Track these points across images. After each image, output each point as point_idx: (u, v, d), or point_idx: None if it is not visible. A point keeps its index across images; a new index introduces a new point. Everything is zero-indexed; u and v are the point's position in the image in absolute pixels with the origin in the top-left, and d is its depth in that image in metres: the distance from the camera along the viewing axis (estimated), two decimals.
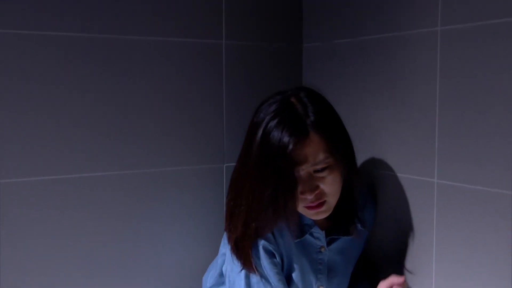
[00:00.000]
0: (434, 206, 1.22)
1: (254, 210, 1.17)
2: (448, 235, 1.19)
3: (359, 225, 1.29)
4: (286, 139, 1.12)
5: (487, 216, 1.10)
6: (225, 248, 1.32)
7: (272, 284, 1.23)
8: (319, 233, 1.28)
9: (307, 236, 1.27)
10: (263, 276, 1.22)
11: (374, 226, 1.39)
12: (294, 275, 1.27)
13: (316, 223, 1.28)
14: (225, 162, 1.55)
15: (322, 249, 1.30)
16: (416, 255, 1.28)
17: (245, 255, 1.21)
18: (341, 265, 1.33)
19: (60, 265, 1.35)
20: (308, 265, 1.29)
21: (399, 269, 1.32)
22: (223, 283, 1.37)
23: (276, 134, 1.13)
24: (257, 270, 1.22)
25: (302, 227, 1.27)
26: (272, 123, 1.14)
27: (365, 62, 1.40)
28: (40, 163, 1.31)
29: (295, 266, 1.27)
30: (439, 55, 1.19)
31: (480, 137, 1.11)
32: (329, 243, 1.30)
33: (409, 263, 1.30)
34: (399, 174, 1.31)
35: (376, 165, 1.38)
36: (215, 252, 1.53)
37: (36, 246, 1.32)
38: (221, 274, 1.37)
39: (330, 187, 1.18)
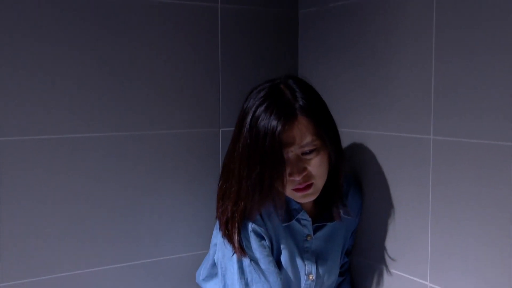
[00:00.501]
0: (430, 163, 1.22)
1: (243, 190, 1.21)
2: (445, 191, 1.20)
3: (342, 211, 1.32)
4: (274, 122, 1.16)
5: (486, 169, 1.10)
6: (216, 239, 1.35)
7: (262, 266, 1.25)
8: (307, 220, 1.32)
9: (294, 222, 1.31)
10: (252, 259, 1.25)
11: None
12: (282, 258, 1.30)
13: (303, 208, 1.31)
14: (221, 127, 1.55)
15: (309, 238, 1.33)
16: (412, 215, 1.29)
17: (234, 238, 1.24)
18: (329, 252, 1.36)
19: (58, 224, 1.35)
20: (296, 251, 1.32)
21: (395, 230, 1.33)
22: (215, 274, 1.39)
23: (265, 117, 1.17)
24: (247, 253, 1.25)
25: (290, 212, 1.30)
26: (261, 108, 1.19)
27: (361, 24, 1.40)
28: (40, 121, 1.31)
29: (283, 250, 1.30)
30: (435, 8, 1.19)
31: (476, 90, 1.11)
32: (315, 231, 1.33)
33: (404, 223, 1.31)
34: (394, 134, 1.32)
35: (371, 125, 1.39)
36: (211, 214, 1.54)
37: (34, 204, 1.32)
38: (214, 265, 1.39)
39: (318, 169, 1.22)
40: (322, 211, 1.34)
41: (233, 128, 1.56)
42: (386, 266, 1.37)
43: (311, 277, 1.33)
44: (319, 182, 1.24)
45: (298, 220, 1.31)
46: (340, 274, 1.45)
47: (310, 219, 1.32)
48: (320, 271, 1.34)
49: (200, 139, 1.52)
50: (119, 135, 1.41)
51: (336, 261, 1.39)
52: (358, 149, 1.44)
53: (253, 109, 1.20)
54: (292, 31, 1.64)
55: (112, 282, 1.43)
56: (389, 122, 1.33)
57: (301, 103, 1.20)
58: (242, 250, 1.24)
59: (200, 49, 1.51)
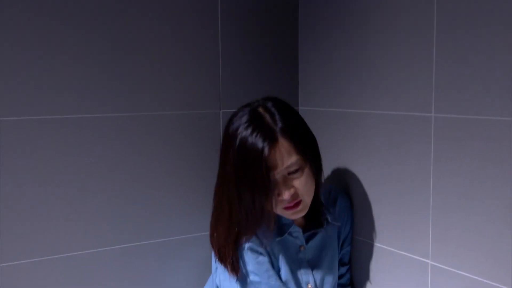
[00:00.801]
0: (431, 141, 1.22)
1: (235, 215, 1.24)
2: (446, 169, 1.19)
3: (329, 217, 1.37)
4: (260, 145, 1.19)
5: (488, 145, 1.10)
6: (216, 263, 1.37)
7: (263, 282, 1.28)
8: (298, 231, 1.35)
9: (287, 236, 1.34)
10: (250, 277, 1.28)
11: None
12: (282, 273, 1.33)
13: (294, 222, 1.35)
14: (222, 108, 1.54)
15: (302, 248, 1.36)
16: (413, 193, 1.28)
17: (228, 259, 1.27)
18: (324, 260, 1.39)
19: (59, 205, 1.35)
20: (292, 263, 1.35)
21: (396, 209, 1.33)
22: None
23: (251, 142, 1.20)
24: (242, 271, 1.28)
25: (281, 227, 1.34)
26: (246, 132, 1.21)
27: None
28: (40, 102, 1.31)
29: (282, 265, 1.33)
30: None
31: (478, 65, 1.11)
32: (307, 241, 1.36)
33: (405, 202, 1.31)
34: (395, 112, 1.31)
35: (371, 104, 1.38)
36: (209, 197, 1.54)
37: (35, 185, 1.32)
38: None
39: (304, 186, 1.25)
40: (310, 221, 1.37)
41: (233, 110, 1.56)
42: (387, 246, 1.36)
43: (309, 287, 1.36)
44: (307, 198, 1.28)
45: (289, 233, 1.35)
46: (343, 285, 1.47)
47: (300, 229, 1.36)
48: (318, 279, 1.37)
49: (201, 121, 1.52)
50: (120, 116, 1.40)
51: (332, 268, 1.41)
52: (358, 128, 1.43)
53: (238, 134, 1.22)
54: (293, 8, 1.63)
55: (112, 263, 1.43)
56: (390, 101, 1.33)
57: (280, 125, 1.22)
58: (235, 270, 1.27)
59: (200, 30, 1.50)
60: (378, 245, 1.39)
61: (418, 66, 1.24)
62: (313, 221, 1.37)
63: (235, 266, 1.27)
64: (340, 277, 1.46)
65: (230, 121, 1.27)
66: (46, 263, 1.35)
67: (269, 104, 1.27)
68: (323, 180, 1.34)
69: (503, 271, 1.09)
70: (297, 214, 1.29)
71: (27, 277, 1.32)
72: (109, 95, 1.39)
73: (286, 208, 1.26)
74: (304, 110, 1.62)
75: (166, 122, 1.47)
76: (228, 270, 1.28)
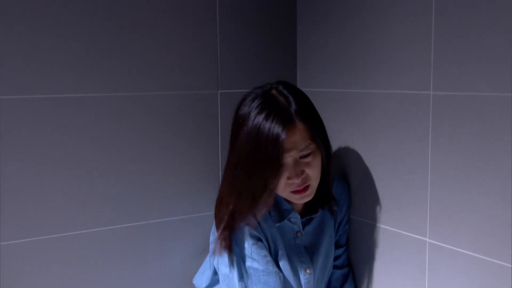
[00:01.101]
0: (430, 119, 1.22)
1: (241, 196, 1.24)
2: (445, 146, 1.19)
3: (335, 208, 1.40)
4: (276, 129, 1.18)
5: (487, 122, 1.10)
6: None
7: (261, 267, 1.28)
8: (296, 217, 1.35)
9: (285, 221, 1.34)
10: (255, 260, 1.27)
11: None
12: (280, 259, 1.33)
13: (294, 208, 1.35)
14: (220, 89, 1.54)
15: (298, 234, 1.36)
16: (411, 171, 1.28)
17: (227, 240, 1.27)
18: (321, 244, 1.40)
19: (58, 184, 1.35)
20: (290, 249, 1.35)
21: (394, 188, 1.34)
22: (217, 281, 1.42)
23: (266, 126, 1.19)
24: (241, 255, 1.28)
25: (281, 213, 1.34)
26: (260, 116, 1.20)
27: None
28: (39, 80, 1.30)
29: (280, 250, 1.33)
30: None
31: (477, 41, 1.10)
32: (304, 226, 1.36)
33: (403, 180, 1.31)
34: (393, 91, 1.31)
35: (369, 83, 1.38)
36: (209, 174, 1.54)
37: (35, 163, 1.32)
38: (215, 272, 1.41)
39: (314, 171, 1.26)
40: (308, 207, 1.38)
41: (232, 91, 1.56)
42: (385, 225, 1.37)
43: (308, 271, 1.36)
44: (315, 183, 1.28)
45: (288, 219, 1.35)
46: (340, 267, 1.47)
47: (299, 216, 1.36)
48: (315, 264, 1.38)
49: (199, 101, 1.51)
50: (118, 95, 1.40)
51: (329, 253, 1.42)
52: (357, 108, 1.43)
53: (251, 118, 1.21)
54: None
55: (111, 243, 1.43)
56: (388, 80, 1.32)
57: (295, 107, 1.22)
58: (229, 251, 1.27)
59: (198, 10, 1.49)
60: (375, 224, 1.40)
61: (417, 45, 1.24)
62: (313, 208, 1.38)
63: (230, 248, 1.27)
64: (336, 258, 1.46)
65: (241, 104, 1.27)
66: (46, 242, 1.35)
67: (281, 87, 1.27)
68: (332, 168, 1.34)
69: (501, 247, 1.09)
70: (304, 199, 1.29)
71: (26, 255, 1.33)
72: (107, 74, 1.38)
73: (295, 192, 1.26)
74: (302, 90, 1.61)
75: (164, 102, 1.46)
76: (228, 252, 1.28)
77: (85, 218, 1.39)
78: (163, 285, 1.52)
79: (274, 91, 1.26)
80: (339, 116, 1.48)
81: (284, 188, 1.25)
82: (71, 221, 1.37)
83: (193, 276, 1.53)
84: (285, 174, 1.23)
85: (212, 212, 1.52)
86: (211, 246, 1.41)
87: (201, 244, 1.54)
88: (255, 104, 1.23)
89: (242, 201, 1.24)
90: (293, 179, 1.23)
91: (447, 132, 1.18)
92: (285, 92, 1.25)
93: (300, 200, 1.29)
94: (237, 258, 1.28)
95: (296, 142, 1.21)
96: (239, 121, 1.25)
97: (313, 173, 1.26)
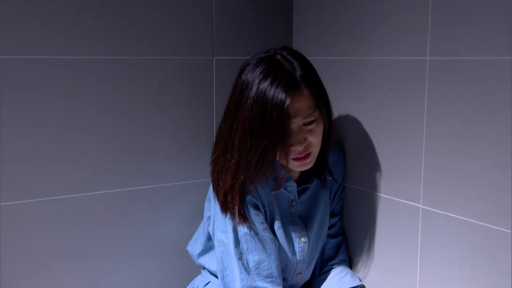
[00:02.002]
0: (426, 84, 1.21)
1: (243, 162, 1.22)
2: (441, 111, 1.19)
3: (329, 178, 1.39)
4: (282, 95, 1.17)
5: (484, 86, 1.09)
6: (209, 212, 1.38)
7: (259, 234, 1.27)
8: (292, 186, 1.35)
9: (282, 190, 1.34)
10: (252, 226, 1.27)
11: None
12: (275, 227, 1.33)
13: (291, 176, 1.35)
14: (215, 55, 1.53)
15: (293, 203, 1.36)
16: (406, 137, 1.28)
17: (235, 207, 1.25)
18: (316, 214, 1.40)
19: (57, 146, 1.35)
20: (285, 218, 1.35)
21: (388, 155, 1.33)
22: (211, 247, 1.42)
23: (271, 92, 1.17)
24: (248, 220, 1.26)
25: (278, 180, 1.33)
26: (265, 82, 1.18)
27: None
28: (39, 41, 1.29)
29: (276, 218, 1.32)
30: None
31: (474, 5, 1.09)
32: (299, 195, 1.36)
33: (398, 146, 1.31)
34: (389, 58, 1.30)
35: (365, 51, 1.37)
36: (204, 141, 1.54)
37: (35, 124, 1.32)
38: (209, 239, 1.41)
39: (316, 139, 1.25)
40: (306, 175, 1.37)
41: (227, 57, 1.54)
42: (379, 192, 1.37)
43: (303, 240, 1.36)
44: (316, 151, 1.27)
45: (285, 188, 1.34)
46: (334, 236, 1.47)
47: (295, 184, 1.35)
48: (310, 233, 1.38)
49: (194, 67, 1.50)
50: (112, 58, 1.39)
51: (324, 222, 1.42)
52: (352, 76, 1.42)
53: (255, 83, 1.19)
54: None
55: (106, 207, 1.43)
56: (385, 47, 1.31)
57: (300, 73, 1.21)
58: (243, 217, 1.26)
59: None
60: (369, 191, 1.40)
61: (414, 10, 1.23)
62: (309, 177, 1.37)
63: (242, 214, 1.26)
64: (330, 227, 1.46)
65: (243, 69, 1.25)
66: (43, 204, 1.35)
67: (285, 53, 1.25)
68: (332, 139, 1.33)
69: (499, 213, 1.09)
70: (304, 166, 1.28)
71: (24, 217, 1.33)
72: (103, 38, 1.37)
73: (295, 159, 1.25)
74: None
75: (159, 67, 1.45)
76: (233, 217, 1.26)
77: (78, 182, 1.39)
78: (155, 251, 1.52)
79: (278, 56, 1.24)
80: (335, 83, 1.47)
81: (286, 155, 1.23)
82: (65, 185, 1.37)
83: (185, 243, 1.53)
84: (289, 141, 1.22)
85: (205, 180, 1.53)
86: (206, 213, 1.42)
87: (194, 211, 1.54)
88: (259, 69, 1.21)
89: (250, 168, 1.22)
90: (295, 146, 1.22)
91: (443, 97, 1.18)
92: (289, 57, 1.24)
93: (300, 167, 1.28)
94: (234, 224, 1.28)
95: (301, 108, 1.20)
96: (242, 86, 1.22)
97: (315, 141, 1.25)
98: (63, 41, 1.32)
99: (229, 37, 1.54)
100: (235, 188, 1.24)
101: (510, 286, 1.08)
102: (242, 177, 1.23)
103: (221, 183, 1.27)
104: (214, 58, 1.53)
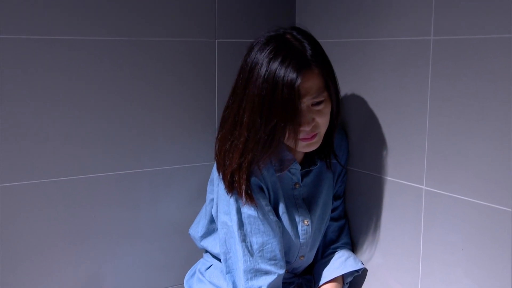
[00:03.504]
0: (430, 64, 1.20)
1: (251, 141, 1.20)
2: (444, 91, 1.18)
3: (334, 161, 1.39)
4: (293, 74, 1.16)
5: (487, 64, 1.08)
6: (212, 194, 1.37)
7: (263, 216, 1.27)
8: (296, 168, 1.34)
9: (286, 172, 1.33)
10: (257, 207, 1.26)
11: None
12: (279, 209, 1.32)
13: (296, 157, 1.33)
14: (217, 38, 1.52)
15: (297, 186, 1.35)
16: (408, 118, 1.27)
17: (242, 186, 1.24)
18: (319, 196, 1.39)
19: (56, 129, 1.35)
20: (288, 201, 1.34)
21: (391, 136, 1.32)
22: (213, 229, 1.41)
23: (282, 70, 1.16)
24: (254, 200, 1.25)
25: (282, 162, 1.32)
26: (276, 60, 1.17)
27: None
28: (38, 22, 1.29)
29: (280, 201, 1.32)
30: None
31: None
32: (302, 177, 1.36)
33: (402, 126, 1.30)
34: (393, 38, 1.29)
35: (369, 32, 1.36)
36: (206, 124, 1.53)
37: (34, 105, 1.32)
38: (211, 221, 1.40)
39: (324, 119, 1.24)
40: (310, 157, 1.36)
41: (229, 40, 1.53)
42: (382, 174, 1.36)
43: (306, 222, 1.35)
44: (323, 131, 1.26)
45: (289, 170, 1.33)
46: (336, 219, 1.47)
47: (299, 167, 1.34)
48: (313, 216, 1.37)
49: (196, 49, 1.49)
50: (114, 40, 1.38)
51: (327, 205, 1.41)
52: (356, 58, 1.41)
53: (266, 60, 1.18)
54: None
55: (106, 189, 1.43)
56: (389, 28, 1.30)
57: (310, 52, 1.20)
58: (249, 197, 1.25)
59: None
60: (372, 174, 1.39)
61: None
62: (310, 158, 1.36)
63: (249, 194, 1.25)
64: (333, 210, 1.46)
65: (252, 48, 1.23)
66: (43, 185, 1.35)
67: (295, 32, 1.24)
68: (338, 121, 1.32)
69: (500, 192, 1.08)
70: (311, 147, 1.27)
71: (24, 198, 1.33)
72: (104, 18, 1.36)
73: (303, 139, 1.24)
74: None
75: (161, 48, 1.44)
76: (240, 196, 1.25)
77: (80, 163, 1.39)
78: (157, 233, 1.52)
79: (288, 36, 1.23)
80: (338, 65, 1.45)
81: (294, 135, 1.22)
82: (66, 166, 1.37)
83: (187, 225, 1.52)
84: (297, 121, 1.20)
85: (207, 163, 1.52)
86: (209, 196, 1.41)
87: (196, 194, 1.54)
88: (269, 48, 1.20)
89: (258, 147, 1.20)
90: (304, 126, 1.21)
91: (446, 77, 1.17)
92: (299, 37, 1.23)
93: (306, 148, 1.26)
94: (237, 206, 1.27)
95: (310, 88, 1.19)
96: (251, 65, 1.21)
97: (323, 122, 1.24)
98: (65, 22, 1.32)
99: (231, 19, 1.53)
100: (243, 168, 1.23)
101: None
102: (249, 156, 1.22)
103: (228, 162, 1.25)
104: (216, 40, 1.52)
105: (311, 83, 1.19)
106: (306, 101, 1.20)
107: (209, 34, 1.51)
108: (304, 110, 1.21)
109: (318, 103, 1.22)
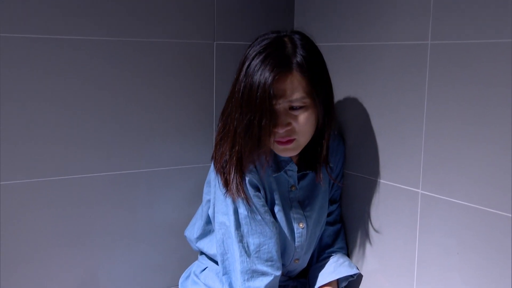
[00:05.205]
0: (427, 68, 1.20)
1: (238, 135, 1.21)
2: (441, 95, 1.18)
3: (327, 170, 1.36)
4: (267, 73, 1.17)
5: (485, 69, 1.08)
6: (208, 195, 1.37)
7: (258, 217, 1.27)
8: (293, 171, 1.34)
9: (282, 173, 1.33)
10: (252, 206, 1.26)
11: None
12: (276, 210, 1.32)
13: (291, 159, 1.33)
14: (216, 40, 1.52)
15: (293, 188, 1.35)
16: (405, 122, 1.27)
17: (232, 179, 1.24)
18: (315, 199, 1.39)
19: (55, 128, 1.34)
20: (285, 202, 1.34)
21: (387, 140, 1.33)
22: (209, 231, 1.41)
23: (260, 67, 1.18)
24: (246, 195, 1.25)
25: (279, 163, 1.32)
26: (258, 58, 1.19)
27: None
28: (39, 21, 1.29)
29: (276, 200, 1.32)
30: None
31: None
32: (299, 180, 1.36)
33: (399, 130, 1.30)
34: (391, 43, 1.29)
35: (367, 36, 1.36)
36: (204, 126, 1.53)
37: (35, 103, 1.31)
38: (207, 222, 1.40)
39: (302, 126, 1.23)
40: (304, 161, 1.35)
41: (228, 42, 1.54)
42: (377, 178, 1.36)
43: (301, 225, 1.35)
44: (302, 139, 1.25)
45: (285, 171, 1.33)
46: (332, 223, 1.47)
47: (296, 167, 1.34)
48: (309, 219, 1.37)
49: (195, 51, 1.49)
50: (113, 40, 1.38)
51: (323, 209, 1.41)
52: (353, 62, 1.41)
53: (252, 56, 1.20)
54: None
55: (103, 189, 1.42)
56: (386, 32, 1.31)
57: (299, 59, 1.20)
58: (241, 192, 1.24)
59: None
60: (368, 177, 1.39)
61: None
62: (308, 162, 1.35)
63: (240, 188, 1.24)
64: (329, 214, 1.45)
65: (251, 44, 1.25)
66: (42, 184, 1.34)
67: (296, 36, 1.25)
68: (334, 129, 1.32)
69: (499, 197, 1.08)
70: (287, 152, 1.27)
71: (22, 196, 1.33)
72: (104, 18, 1.36)
73: (278, 142, 1.24)
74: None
75: (160, 50, 1.44)
76: (228, 188, 1.25)
77: (77, 163, 1.38)
78: (153, 233, 1.51)
79: (286, 38, 1.24)
80: (335, 69, 1.46)
81: (270, 136, 1.22)
82: (64, 166, 1.37)
83: (183, 226, 1.52)
84: (272, 122, 1.20)
85: (203, 164, 1.52)
86: (205, 197, 1.41)
87: (192, 195, 1.54)
88: (261, 44, 1.22)
89: (242, 141, 1.21)
90: (277, 128, 1.21)
91: (443, 81, 1.17)
92: (297, 42, 1.23)
93: (283, 152, 1.27)
94: (235, 206, 1.27)
95: (284, 90, 1.19)
96: (243, 58, 1.23)
97: (301, 129, 1.23)
98: (65, 22, 1.32)
99: (230, 21, 1.54)
100: (233, 159, 1.23)
101: (510, 270, 1.07)
102: (237, 148, 1.22)
103: (220, 152, 1.26)
104: (215, 42, 1.52)
105: (285, 86, 1.19)
106: (282, 103, 1.20)
107: (208, 36, 1.51)
108: (280, 111, 1.21)
109: (296, 108, 1.21)
